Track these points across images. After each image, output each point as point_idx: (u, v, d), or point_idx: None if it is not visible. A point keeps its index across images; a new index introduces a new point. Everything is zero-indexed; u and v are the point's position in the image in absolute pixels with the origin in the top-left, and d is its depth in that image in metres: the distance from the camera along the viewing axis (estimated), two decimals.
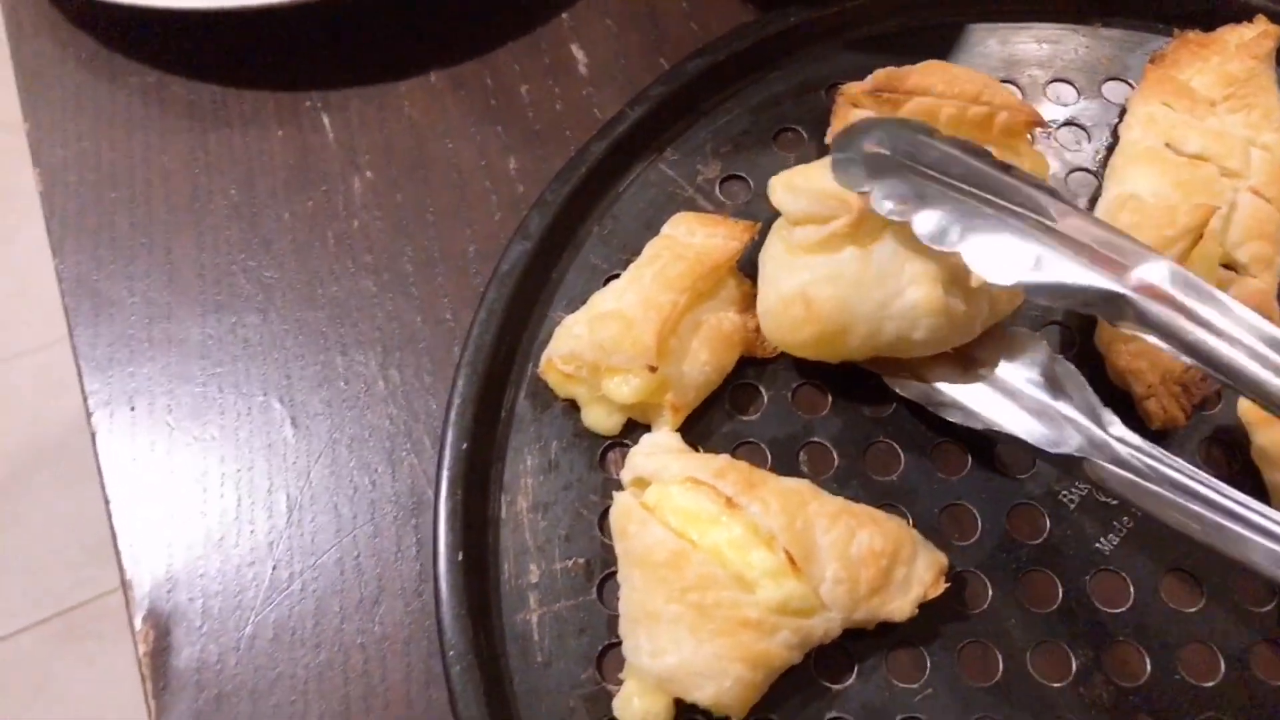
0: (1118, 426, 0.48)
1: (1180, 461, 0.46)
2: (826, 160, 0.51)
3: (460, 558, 0.49)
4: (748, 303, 0.55)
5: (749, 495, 0.47)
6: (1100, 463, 0.47)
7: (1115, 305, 0.44)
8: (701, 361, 0.53)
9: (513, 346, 0.56)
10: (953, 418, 0.51)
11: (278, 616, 0.52)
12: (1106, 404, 0.49)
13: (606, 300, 0.54)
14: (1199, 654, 0.48)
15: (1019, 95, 0.63)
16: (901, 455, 0.53)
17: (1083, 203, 0.60)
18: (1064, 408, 0.50)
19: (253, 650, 0.51)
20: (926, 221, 0.47)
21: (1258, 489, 0.51)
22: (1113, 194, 0.57)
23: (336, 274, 0.61)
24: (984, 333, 0.52)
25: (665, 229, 0.56)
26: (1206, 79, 0.59)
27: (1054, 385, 0.51)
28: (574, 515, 0.52)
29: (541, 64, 0.68)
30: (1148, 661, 0.48)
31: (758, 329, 0.55)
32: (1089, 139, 0.62)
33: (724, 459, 0.49)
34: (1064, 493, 0.52)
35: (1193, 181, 0.55)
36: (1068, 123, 0.63)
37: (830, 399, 0.55)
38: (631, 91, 0.62)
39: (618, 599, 0.48)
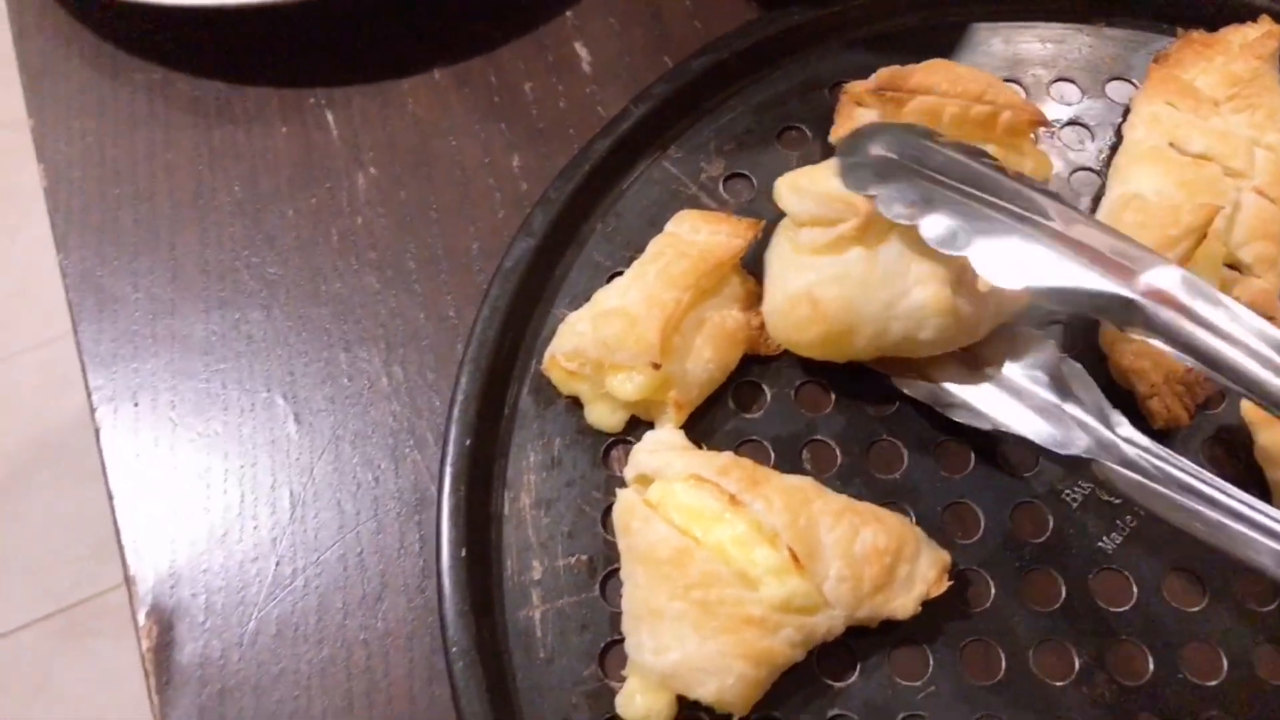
0: (1126, 427, 0.48)
1: (1188, 463, 0.46)
2: (832, 162, 0.51)
3: (463, 554, 0.49)
4: (751, 300, 0.55)
5: (752, 493, 0.47)
6: (1108, 464, 0.47)
7: (1123, 310, 0.44)
8: (705, 359, 0.53)
9: (516, 343, 0.56)
10: (960, 418, 0.51)
11: (281, 612, 0.52)
12: (1108, 400, 0.50)
13: (610, 297, 0.54)
14: (1202, 653, 0.48)
15: (1023, 94, 0.63)
16: (905, 453, 0.53)
17: (1086, 202, 0.60)
18: (1071, 408, 0.50)
19: (256, 646, 0.51)
20: (934, 225, 0.47)
21: (1260, 488, 0.51)
22: (1116, 193, 0.57)
23: (340, 270, 0.61)
24: (990, 332, 0.52)
25: (669, 226, 0.56)
26: (1210, 79, 0.59)
27: (1061, 385, 0.50)
28: (577, 512, 0.52)
29: (545, 62, 0.68)
30: (1150, 660, 0.48)
31: (761, 326, 0.55)
32: (1092, 138, 0.62)
33: (727, 456, 0.49)
34: (1067, 491, 0.52)
35: (1196, 181, 0.55)
36: (1071, 122, 0.63)
37: (833, 397, 0.55)
38: (635, 89, 0.62)
39: (620, 596, 0.48)
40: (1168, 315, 0.43)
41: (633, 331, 0.51)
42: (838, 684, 0.48)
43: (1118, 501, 0.51)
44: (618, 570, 0.50)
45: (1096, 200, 0.59)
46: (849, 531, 0.47)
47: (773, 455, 0.53)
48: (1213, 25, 0.61)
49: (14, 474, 1.70)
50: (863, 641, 0.48)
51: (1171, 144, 0.57)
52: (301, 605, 0.52)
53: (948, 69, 0.56)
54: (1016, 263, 0.45)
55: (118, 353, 0.59)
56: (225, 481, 0.55)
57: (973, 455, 0.53)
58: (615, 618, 0.49)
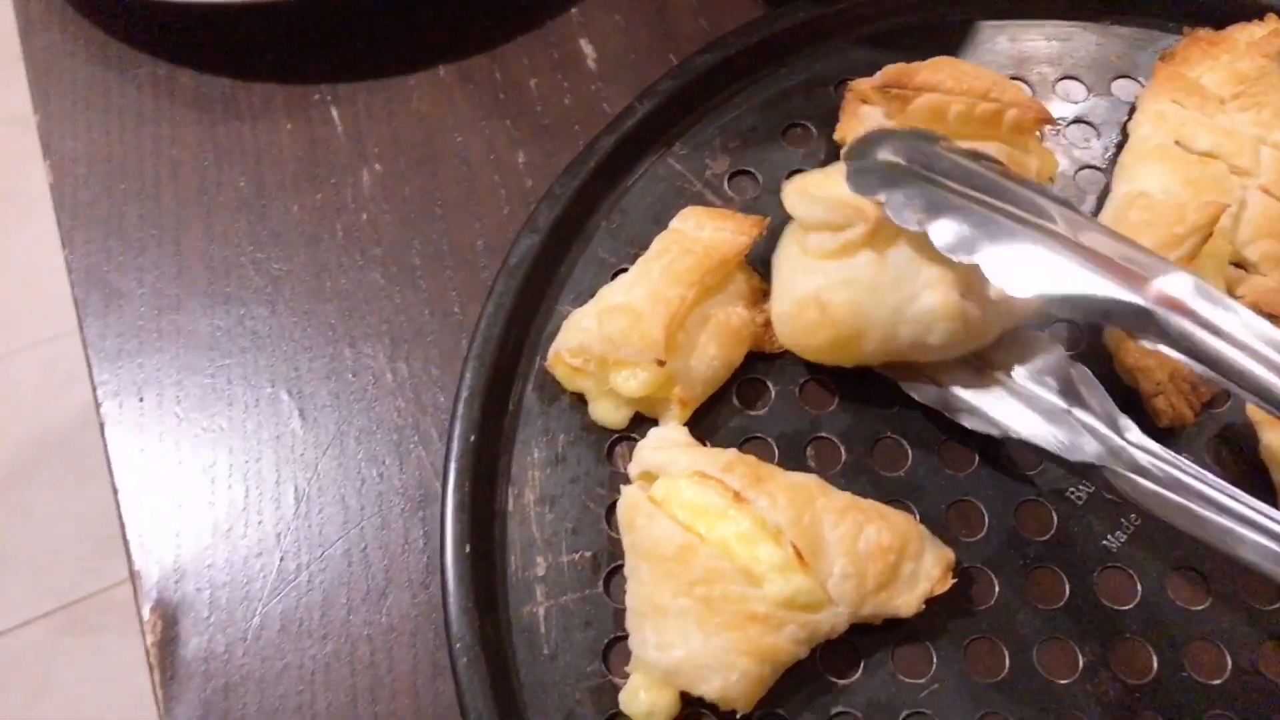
0: (1135, 433, 0.48)
1: (1198, 469, 0.46)
2: (840, 167, 0.51)
3: (467, 550, 0.49)
4: (756, 297, 0.55)
5: (757, 490, 0.47)
6: (1118, 470, 0.47)
7: (1135, 318, 0.43)
8: (709, 356, 0.53)
9: (520, 340, 0.56)
10: (968, 423, 0.51)
11: (285, 607, 0.52)
12: (1115, 401, 0.49)
13: (615, 294, 0.54)
14: (1206, 652, 0.48)
15: (1028, 92, 0.63)
16: (909, 451, 0.53)
17: (1092, 200, 0.60)
18: (1081, 414, 0.49)
19: (260, 641, 0.51)
20: (944, 231, 0.47)
21: (1265, 487, 0.51)
22: (1122, 191, 0.57)
23: (345, 267, 0.61)
24: (998, 337, 0.52)
25: (674, 223, 0.56)
26: (1217, 77, 0.59)
27: (1070, 390, 0.50)
28: (581, 508, 0.52)
29: (550, 58, 0.68)
30: (1155, 659, 0.48)
31: (766, 324, 0.55)
32: (1098, 136, 0.62)
33: (732, 453, 0.49)
34: (1071, 490, 0.52)
35: (1202, 179, 0.55)
36: (1077, 120, 0.63)
37: (838, 394, 0.55)
38: (640, 86, 0.62)
39: (624, 592, 0.48)
40: (1180, 322, 0.43)
41: (637, 328, 0.51)
42: (841, 681, 0.48)
43: (1122, 500, 0.51)
44: (622, 567, 0.50)
45: (1102, 198, 0.59)
46: (853, 529, 0.47)
47: (777, 452, 0.53)
48: (1219, 23, 0.61)
49: (18, 470, 1.70)
50: (866, 639, 0.48)
51: (1177, 142, 0.57)
52: (306, 601, 0.52)
53: (953, 66, 0.56)
54: (1027, 270, 0.45)
55: (123, 348, 0.59)
56: (230, 477, 0.55)
57: (977, 453, 0.53)
58: (619, 614, 0.49)
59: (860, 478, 0.53)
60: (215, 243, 0.62)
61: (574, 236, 0.59)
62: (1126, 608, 0.49)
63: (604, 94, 0.66)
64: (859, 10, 0.65)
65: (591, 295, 0.55)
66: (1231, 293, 0.54)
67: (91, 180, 0.64)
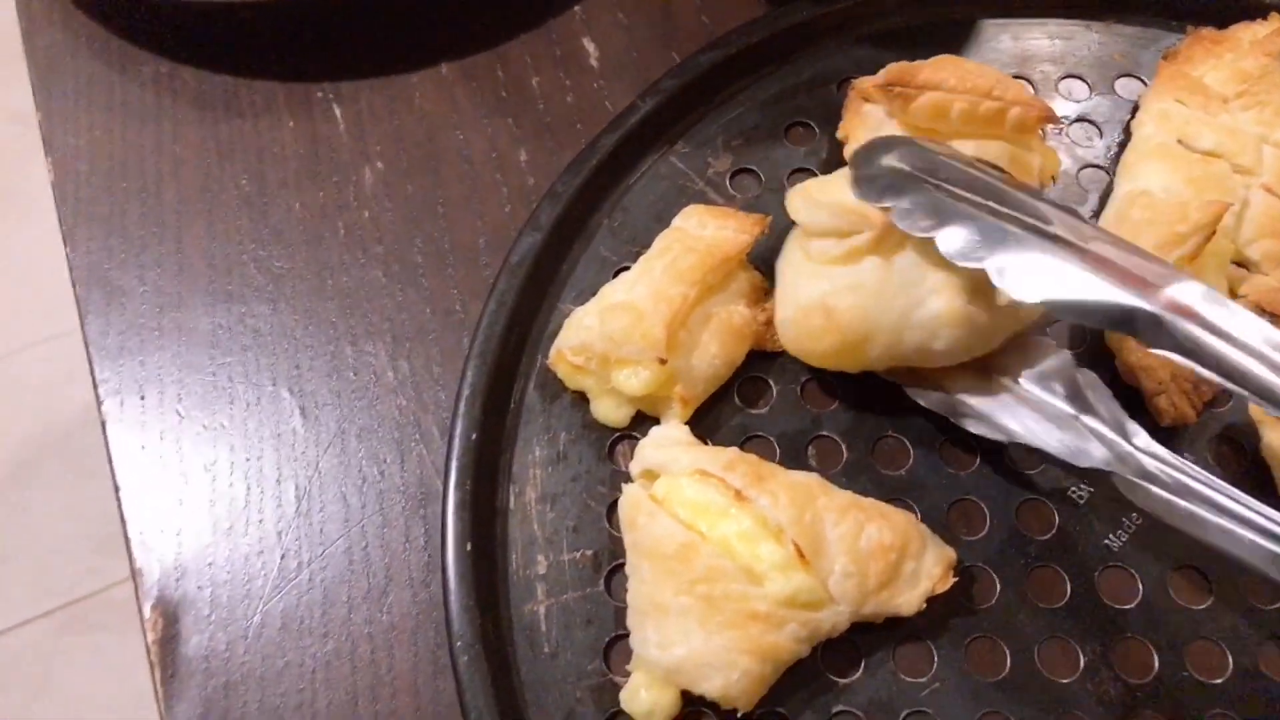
0: (1142, 438, 0.48)
1: (1206, 474, 0.46)
2: (844, 173, 0.51)
3: (468, 548, 0.49)
4: (758, 296, 0.55)
5: (758, 488, 0.47)
6: (1127, 476, 0.47)
7: (1145, 325, 0.43)
8: (711, 354, 0.53)
9: (522, 338, 0.56)
10: (975, 429, 0.51)
11: (286, 605, 0.52)
12: (1118, 402, 0.49)
13: (617, 292, 0.54)
14: (1207, 651, 0.48)
15: (1031, 91, 0.62)
16: (910, 450, 0.53)
17: (1094, 199, 0.60)
18: (1088, 419, 0.49)
19: (261, 639, 0.51)
20: (951, 238, 0.47)
21: (1266, 486, 0.51)
22: (1124, 190, 0.57)
23: (347, 264, 0.61)
24: (1004, 342, 0.52)
25: (676, 221, 0.56)
26: (1220, 76, 0.59)
27: (1077, 396, 0.50)
28: (582, 507, 0.52)
29: (553, 56, 0.68)
30: (1156, 658, 0.48)
31: (768, 322, 0.55)
32: (1101, 135, 0.62)
33: (733, 452, 0.49)
34: (1073, 489, 0.52)
35: (1205, 178, 0.55)
36: (1080, 119, 0.63)
37: (839, 393, 0.55)
38: (642, 84, 0.62)
39: (625, 591, 0.48)
40: (1190, 329, 0.42)
41: (639, 326, 0.51)
42: (842, 680, 0.48)
43: (1123, 500, 0.51)
44: (623, 565, 0.50)
45: (1104, 197, 0.59)
46: (854, 527, 0.47)
47: (778, 451, 0.53)
48: (1223, 22, 0.61)
49: (18, 469, 1.70)
50: (867, 638, 0.48)
51: (1180, 141, 0.57)
52: (306, 599, 0.52)
53: (956, 65, 0.56)
54: (1036, 276, 0.45)
55: (124, 346, 0.59)
56: (231, 475, 0.55)
57: (979, 453, 0.53)
58: (620, 613, 0.49)
59: (861, 477, 0.53)
60: (217, 240, 0.62)
61: (576, 235, 0.59)
62: (1128, 607, 0.49)
63: (606, 92, 0.66)
64: (862, 8, 0.65)
65: (593, 293, 0.55)
66: (1233, 292, 0.54)
67: (93, 178, 0.64)
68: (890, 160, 0.51)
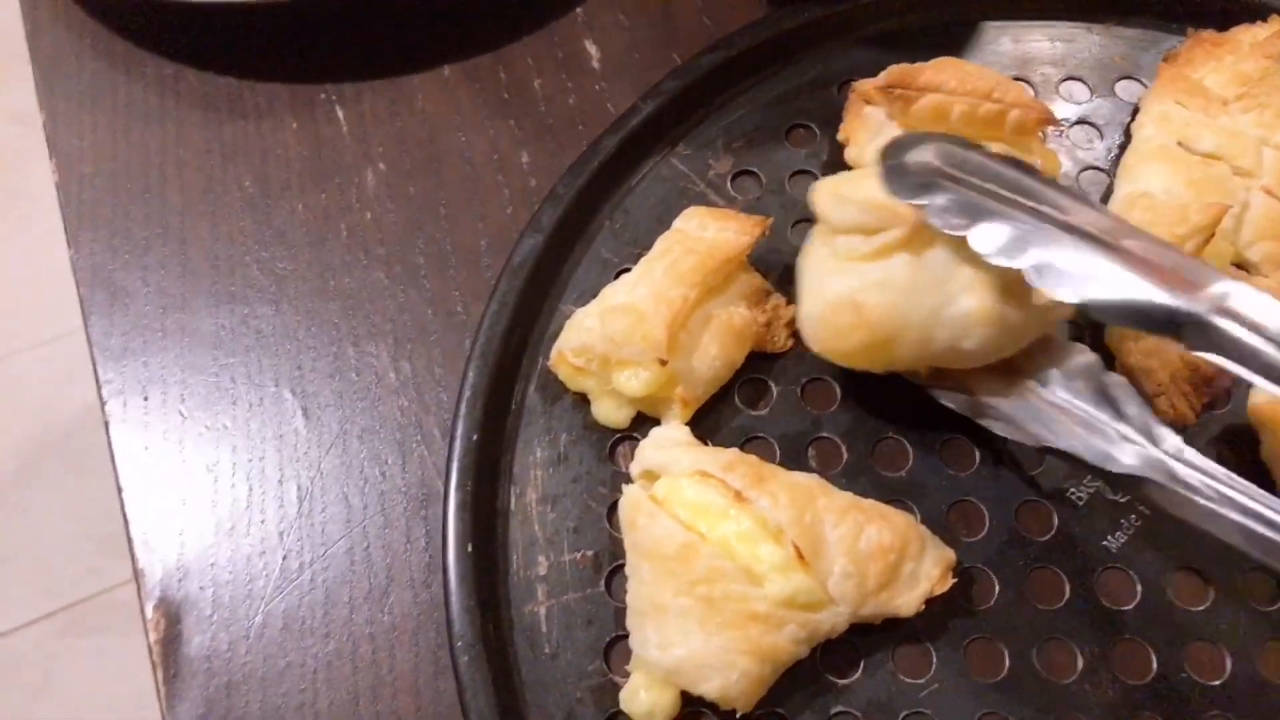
0: (1172, 442, 0.47)
1: (1239, 479, 0.45)
2: (871, 169, 0.50)
3: (469, 549, 0.50)
4: (758, 297, 0.56)
5: (758, 489, 0.47)
6: (1158, 480, 0.46)
7: (1188, 326, 0.42)
8: (711, 355, 0.53)
9: (523, 339, 0.56)
10: (1001, 431, 0.51)
11: (288, 606, 0.52)
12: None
13: (618, 294, 0.54)
14: (1206, 652, 0.48)
15: (1031, 93, 0.63)
16: (910, 451, 0.53)
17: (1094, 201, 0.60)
18: (1116, 423, 0.49)
19: (263, 639, 0.51)
20: (985, 236, 0.46)
21: (1267, 488, 0.51)
22: (1125, 192, 0.57)
23: (349, 266, 0.61)
24: (1030, 344, 0.51)
25: (676, 223, 0.57)
26: (1220, 78, 0.59)
27: (1105, 399, 0.49)
28: (583, 508, 0.52)
29: (554, 58, 0.68)
30: (1154, 659, 0.48)
31: (768, 324, 0.55)
32: (1101, 137, 0.62)
33: (733, 453, 0.49)
34: (1072, 490, 0.52)
35: (1205, 180, 0.55)
36: (1080, 121, 0.63)
37: (839, 394, 0.55)
38: (644, 86, 0.62)
39: (626, 591, 0.48)
40: (1235, 331, 0.41)
41: (640, 328, 0.51)
42: (841, 681, 0.48)
43: (1122, 500, 0.51)
44: (623, 566, 0.50)
45: (1105, 199, 0.59)
46: (854, 528, 0.47)
47: (778, 452, 0.53)
48: (1223, 24, 0.61)
49: (21, 469, 1.70)
50: (866, 639, 0.48)
51: (1180, 143, 0.57)
52: (308, 599, 0.52)
53: (957, 67, 0.56)
54: (1074, 276, 0.44)
55: (128, 347, 0.59)
56: (234, 475, 0.55)
57: (978, 453, 0.53)
58: (620, 613, 0.49)
59: (861, 478, 0.53)
60: (220, 242, 0.62)
61: (577, 236, 0.59)
62: (1126, 608, 0.49)
63: (608, 94, 0.66)
64: (863, 11, 0.65)
65: (594, 295, 0.56)
66: None
67: (97, 179, 0.65)
68: (920, 156, 0.50)
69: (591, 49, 0.68)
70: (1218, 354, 0.42)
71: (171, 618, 0.52)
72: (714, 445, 0.52)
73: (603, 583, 0.51)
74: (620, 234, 0.59)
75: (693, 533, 0.46)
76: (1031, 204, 0.47)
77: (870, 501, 0.49)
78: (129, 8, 0.69)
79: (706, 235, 0.55)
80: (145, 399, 0.57)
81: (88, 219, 0.63)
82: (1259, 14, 0.61)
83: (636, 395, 0.52)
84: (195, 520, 0.54)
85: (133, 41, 0.70)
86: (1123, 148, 0.60)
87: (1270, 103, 0.57)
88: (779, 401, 0.55)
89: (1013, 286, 0.48)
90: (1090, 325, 0.55)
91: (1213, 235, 0.51)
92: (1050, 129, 0.57)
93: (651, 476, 0.49)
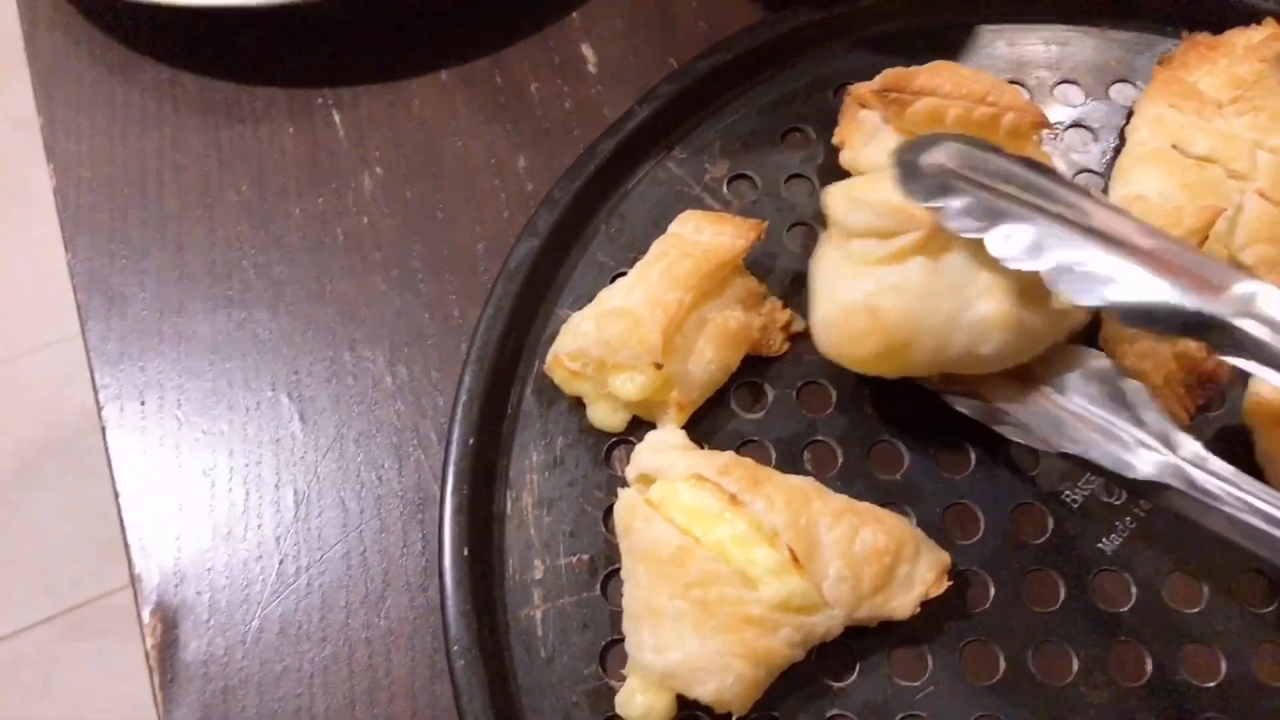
0: (1189, 449, 0.46)
1: (1258, 484, 0.44)
2: (886, 172, 0.50)
3: (465, 553, 0.50)
4: (754, 301, 0.56)
5: (753, 492, 0.47)
6: (1176, 486, 0.45)
7: (1212, 328, 0.42)
8: (707, 359, 0.53)
9: (520, 343, 0.56)
10: (1017, 438, 0.50)
11: (284, 610, 0.52)
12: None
13: (614, 298, 0.54)
14: (1201, 654, 0.49)
15: (1026, 96, 0.62)
16: (905, 454, 0.53)
17: None
18: (1133, 429, 0.48)
19: (259, 644, 0.51)
20: (1003, 240, 0.45)
21: None
22: (1119, 195, 0.57)
23: (346, 270, 0.61)
24: (1045, 350, 0.51)
25: (672, 227, 0.57)
26: (1214, 81, 0.59)
27: (1121, 405, 0.48)
28: (579, 511, 0.52)
29: (551, 62, 0.68)
30: (1149, 661, 0.48)
31: (764, 327, 0.55)
32: (1096, 140, 0.62)
33: (728, 456, 0.49)
34: (1067, 492, 0.52)
35: (1199, 183, 0.55)
36: (1075, 124, 0.63)
37: (835, 398, 0.55)
38: (640, 90, 0.62)
39: (621, 595, 0.49)
40: (1260, 333, 0.41)
41: (635, 332, 0.51)
42: (837, 684, 0.48)
43: (1117, 503, 0.51)
44: (619, 570, 0.50)
45: None
46: (848, 531, 0.47)
47: (774, 455, 0.53)
48: (1218, 28, 0.61)
49: (19, 474, 1.70)
50: (862, 642, 0.49)
51: (1175, 146, 0.57)
52: (305, 604, 0.52)
53: (951, 71, 0.56)
54: (1095, 279, 0.43)
55: (125, 351, 0.59)
56: (230, 480, 0.55)
57: (973, 456, 0.53)
58: (616, 617, 0.49)
59: (857, 481, 0.53)
60: (217, 246, 0.62)
61: (573, 240, 0.59)
62: (1122, 610, 0.49)
63: (604, 98, 0.66)
64: (858, 14, 0.66)
65: (590, 299, 0.56)
66: None
67: (94, 184, 0.65)
68: (935, 157, 0.49)
69: (588, 53, 0.68)
70: (1243, 356, 0.41)
71: (168, 623, 0.52)
72: (710, 449, 0.52)
73: (598, 586, 0.51)
74: (616, 238, 0.59)
75: (688, 536, 0.46)
76: (1049, 206, 0.46)
77: (865, 504, 0.49)
78: (126, 12, 0.69)
79: (702, 239, 0.55)
80: (142, 404, 0.58)
81: (85, 223, 0.63)
82: (1253, 17, 0.61)
83: (632, 399, 0.52)
84: (192, 525, 0.54)
85: (130, 46, 0.70)
86: (1117, 151, 0.60)
87: (1264, 105, 0.57)
88: (774, 405, 0.55)
89: (1031, 291, 0.47)
90: (1084, 326, 0.55)
91: (1207, 238, 0.52)
92: (1045, 132, 0.57)
93: (647, 480, 0.50)
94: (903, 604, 0.47)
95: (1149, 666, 0.48)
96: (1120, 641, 0.49)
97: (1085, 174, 0.61)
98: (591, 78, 0.67)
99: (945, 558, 0.49)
